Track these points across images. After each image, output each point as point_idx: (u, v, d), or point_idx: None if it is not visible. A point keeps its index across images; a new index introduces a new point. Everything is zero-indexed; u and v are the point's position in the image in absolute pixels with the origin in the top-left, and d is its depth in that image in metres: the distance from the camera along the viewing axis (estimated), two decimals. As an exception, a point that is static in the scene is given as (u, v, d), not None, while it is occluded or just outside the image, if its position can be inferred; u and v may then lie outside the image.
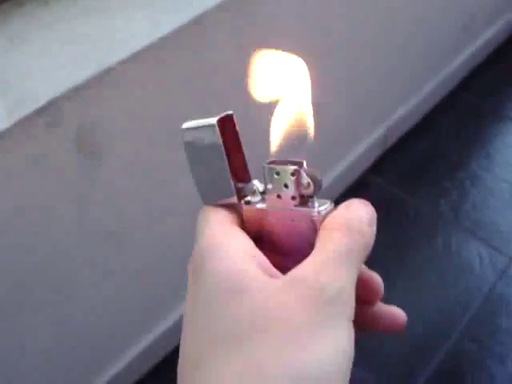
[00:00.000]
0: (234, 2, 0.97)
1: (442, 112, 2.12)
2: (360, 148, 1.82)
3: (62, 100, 0.81)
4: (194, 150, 0.38)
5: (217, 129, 0.37)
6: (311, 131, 0.39)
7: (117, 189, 1.00)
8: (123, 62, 0.85)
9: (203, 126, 0.37)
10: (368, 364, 1.48)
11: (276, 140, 0.38)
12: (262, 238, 0.38)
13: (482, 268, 1.69)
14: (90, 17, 0.91)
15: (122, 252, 1.10)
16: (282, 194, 0.37)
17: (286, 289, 0.32)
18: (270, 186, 0.37)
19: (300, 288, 0.32)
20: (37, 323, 1.03)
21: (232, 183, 0.37)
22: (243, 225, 0.38)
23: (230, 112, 0.37)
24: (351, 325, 0.32)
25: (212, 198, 0.39)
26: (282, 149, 0.38)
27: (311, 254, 0.33)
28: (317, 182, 0.36)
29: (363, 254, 0.35)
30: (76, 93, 0.82)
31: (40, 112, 0.79)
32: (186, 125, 0.38)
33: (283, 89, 0.39)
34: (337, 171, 1.74)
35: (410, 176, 1.95)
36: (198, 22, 0.92)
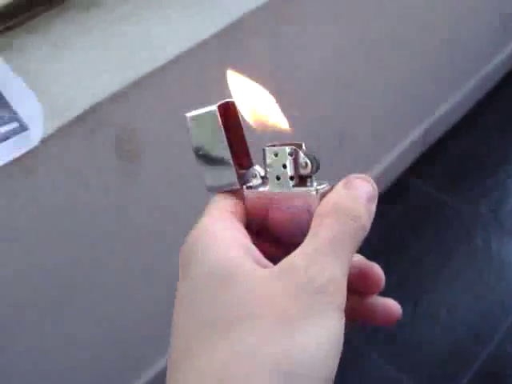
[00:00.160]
0: (271, 5, 0.97)
1: (483, 110, 2.09)
2: (398, 149, 1.80)
3: (103, 106, 0.82)
4: (198, 137, 0.39)
5: (217, 115, 0.37)
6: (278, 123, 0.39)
7: (156, 194, 1.01)
8: (162, 68, 0.86)
9: (205, 113, 0.38)
10: (407, 366, 1.47)
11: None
12: (266, 230, 0.39)
13: (523, 269, 1.67)
14: (130, 23, 0.93)
15: (158, 255, 1.11)
16: (280, 176, 0.37)
17: (275, 278, 0.32)
18: (269, 169, 0.38)
19: (289, 277, 0.31)
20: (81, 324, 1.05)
21: (234, 169, 0.38)
22: (246, 213, 0.38)
23: (232, 99, 0.38)
24: (341, 314, 0.31)
25: (215, 184, 0.39)
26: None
27: (302, 243, 0.33)
28: (314, 162, 0.36)
29: (357, 239, 0.34)
30: (116, 99, 0.83)
31: (81, 118, 0.80)
32: (189, 114, 0.39)
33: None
34: (375, 173, 1.72)
35: (449, 176, 1.93)
36: (236, 26, 0.93)
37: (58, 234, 0.90)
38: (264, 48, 1.03)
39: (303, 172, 0.37)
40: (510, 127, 2.06)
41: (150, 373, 1.26)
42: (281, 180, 0.37)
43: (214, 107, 0.38)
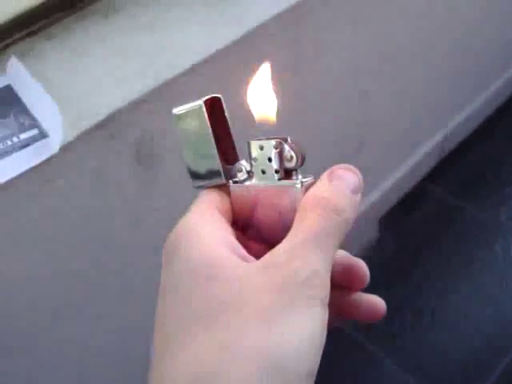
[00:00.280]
0: (289, 13, 0.97)
1: (502, 118, 2.07)
2: (417, 155, 1.79)
3: (122, 113, 0.83)
4: (185, 132, 0.39)
5: (203, 110, 0.37)
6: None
7: (174, 200, 1.01)
8: (181, 75, 0.86)
9: (191, 109, 0.38)
10: (424, 374, 1.46)
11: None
12: (252, 225, 0.39)
13: (543, 278, 1.65)
14: (148, 30, 0.93)
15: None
16: (266, 169, 0.37)
17: (258, 272, 0.32)
18: (254, 163, 0.38)
19: (272, 271, 0.31)
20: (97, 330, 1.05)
21: (220, 164, 0.38)
22: (232, 209, 0.39)
23: (218, 95, 0.39)
24: (324, 308, 0.31)
25: (201, 179, 0.40)
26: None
27: (286, 238, 0.33)
28: (300, 155, 0.36)
29: (340, 232, 0.34)
30: (136, 106, 0.83)
31: (101, 125, 0.80)
32: (175, 109, 0.39)
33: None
34: (394, 179, 1.71)
35: (468, 183, 1.92)
36: (253, 34, 0.93)
37: (76, 240, 0.90)
38: (283, 55, 1.03)
39: (288, 165, 0.37)
40: (530, 134, 2.04)
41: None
42: (266, 173, 0.37)
43: (200, 102, 0.38)
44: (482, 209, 1.84)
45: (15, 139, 0.79)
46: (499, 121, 2.06)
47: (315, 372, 0.31)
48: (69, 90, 0.85)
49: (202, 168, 0.39)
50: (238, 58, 0.93)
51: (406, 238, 1.75)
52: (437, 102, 1.73)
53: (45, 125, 0.80)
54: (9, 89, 0.86)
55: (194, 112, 0.38)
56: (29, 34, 0.94)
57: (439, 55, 1.59)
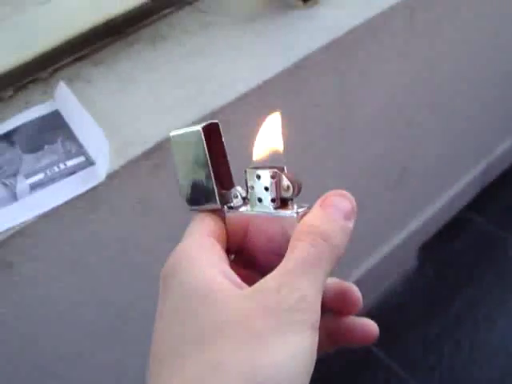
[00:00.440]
0: (335, 44, 0.96)
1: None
2: (459, 184, 1.77)
3: (169, 142, 0.82)
4: (181, 156, 0.39)
5: (202, 135, 0.38)
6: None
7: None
8: (228, 105, 0.85)
9: (189, 133, 0.39)
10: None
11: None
12: (245, 251, 0.39)
13: None
14: (196, 59, 0.93)
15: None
16: (262, 198, 0.38)
17: (248, 298, 0.33)
18: (251, 191, 0.38)
19: (261, 297, 0.33)
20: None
21: (216, 189, 0.39)
22: (226, 233, 0.39)
23: (216, 121, 0.39)
24: (314, 332, 0.32)
25: (196, 203, 0.40)
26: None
27: (277, 266, 0.34)
28: (296, 185, 0.37)
29: (331, 259, 0.34)
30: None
31: (147, 154, 0.80)
32: (173, 132, 0.40)
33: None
34: (435, 208, 1.69)
35: (510, 213, 1.89)
36: (301, 65, 0.92)
37: (118, 267, 0.90)
38: (329, 86, 1.02)
39: (285, 195, 0.37)
40: None
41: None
42: (262, 202, 0.38)
43: (198, 127, 0.38)
44: (524, 240, 1.81)
45: (62, 166, 0.79)
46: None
47: None
48: (115, 117, 0.85)
49: (197, 192, 0.40)
50: (286, 87, 0.93)
51: (446, 268, 1.73)
52: (480, 131, 1.71)
53: (91, 152, 0.80)
54: (57, 114, 0.87)
55: (192, 136, 0.39)
56: (76, 60, 0.95)
57: (483, 86, 1.57)
